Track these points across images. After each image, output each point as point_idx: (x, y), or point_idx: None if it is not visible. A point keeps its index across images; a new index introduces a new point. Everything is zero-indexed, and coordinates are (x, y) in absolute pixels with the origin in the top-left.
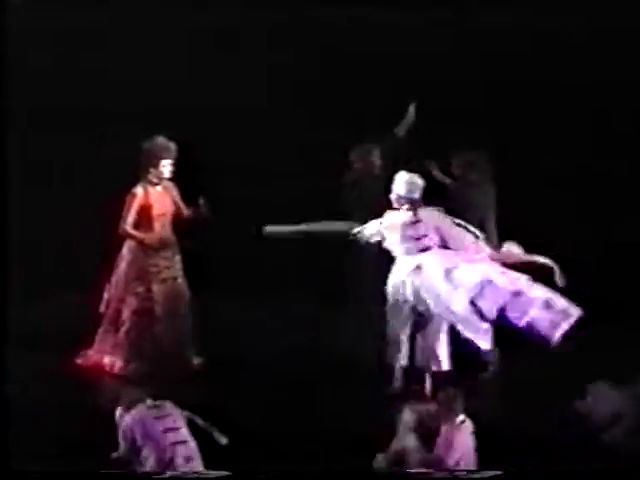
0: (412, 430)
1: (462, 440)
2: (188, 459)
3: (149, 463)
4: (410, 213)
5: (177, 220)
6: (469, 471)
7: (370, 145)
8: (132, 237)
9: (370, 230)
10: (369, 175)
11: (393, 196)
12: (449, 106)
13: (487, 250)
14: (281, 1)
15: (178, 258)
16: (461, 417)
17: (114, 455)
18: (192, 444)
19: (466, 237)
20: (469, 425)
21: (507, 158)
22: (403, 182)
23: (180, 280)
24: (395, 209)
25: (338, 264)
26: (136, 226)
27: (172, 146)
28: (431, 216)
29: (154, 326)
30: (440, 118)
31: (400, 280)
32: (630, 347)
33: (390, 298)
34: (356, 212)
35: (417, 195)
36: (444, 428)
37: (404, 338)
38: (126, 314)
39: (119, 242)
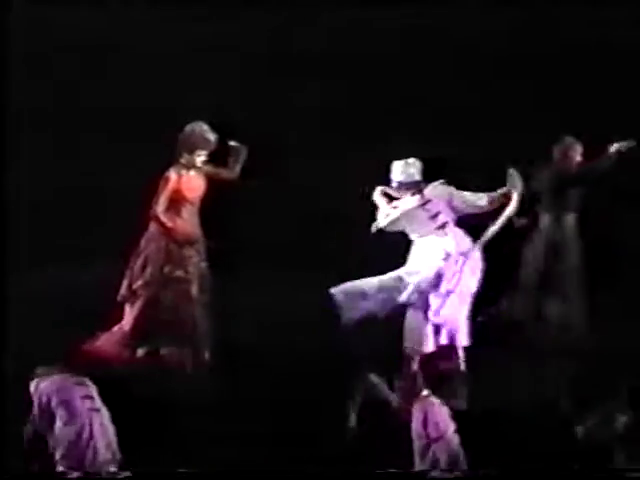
0: None
1: (434, 409)
2: (103, 426)
3: (64, 431)
4: (417, 196)
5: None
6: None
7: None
8: (161, 223)
9: (390, 221)
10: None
11: (394, 185)
12: None
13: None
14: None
15: (202, 240)
16: (425, 392)
17: (26, 429)
18: (106, 414)
19: (478, 198)
20: (435, 399)
21: None
22: (400, 169)
23: (204, 264)
24: (397, 198)
25: (357, 248)
26: (168, 207)
27: (213, 138)
28: (438, 190)
29: (192, 309)
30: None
31: (424, 264)
32: None
33: (413, 282)
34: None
35: (418, 177)
36: (415, 405)
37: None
38: (169, 299)
39: (143, 222)
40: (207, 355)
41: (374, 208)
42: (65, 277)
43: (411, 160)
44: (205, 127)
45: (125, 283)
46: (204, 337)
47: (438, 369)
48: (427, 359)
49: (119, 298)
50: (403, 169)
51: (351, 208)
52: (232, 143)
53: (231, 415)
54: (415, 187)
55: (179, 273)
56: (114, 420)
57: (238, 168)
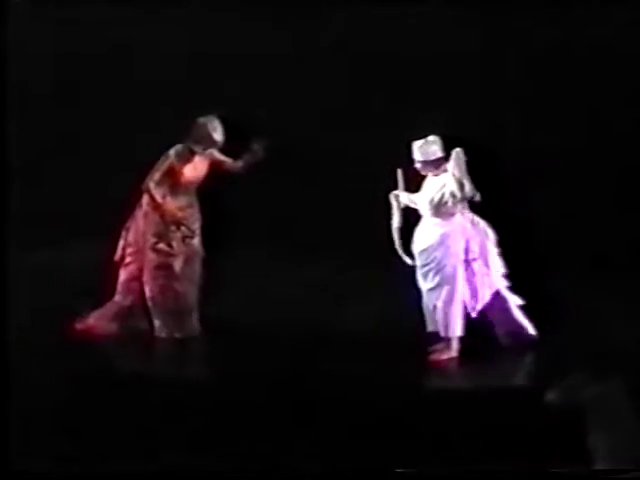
0: None
1: None
2: None
3: None
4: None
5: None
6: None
7: None
8: (151, 196)
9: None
10: None
11: (418, 165)
12: None
13: None
14: None
15: (197, 217)
16: None
17: None
18: None
19: None
20: None
21: None
22: (421, 148)
23: (197, 239)
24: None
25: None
26: (162, 183)
27: (219, 139)
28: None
29: (174, 283)
30: None
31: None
32: None
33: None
34: None
35: (440, 153)
36: None
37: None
38: (148, 268)
39: (139, 195)
40: (194, 331)
41: (372, 187)
42: (66, 255)
43: (431, 138)
44: (216, 124)
45: (121, 244)
46: (188, 312)
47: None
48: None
49: (116, 258)
50: (424, 148)
51: (349, 188)
52: (255, 146)
53: (220, 392)
54: (441, 163)
55: (162, 246)
56: (102, 396)
57: (245, 165)
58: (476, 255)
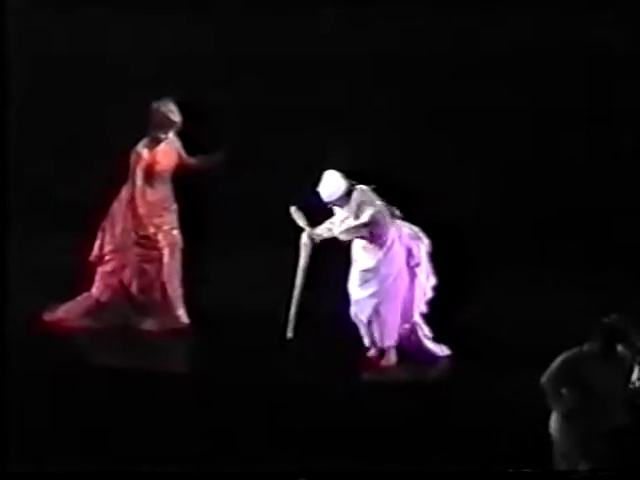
0: None
1: None
2: None
3: None
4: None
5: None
6: None
7: None
8: (134, 203)
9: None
10: None
11: (329, 206)
12: None
13: None
14: None
15: (175, 208)
16: None
17: None
18: None
19: None
20: None
21: None
22: (325, 189)
23: (176, 231)
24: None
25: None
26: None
27: (176, 119)
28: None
29: (159, 275)
30: None
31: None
32: None
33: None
34: None
35: (343, 189)
36: None
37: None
38: (136, 265)
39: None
40: (181, 322)
41: None
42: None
43: (329, 175)
44: (171, 107)
45: (97, 244)
46: (176, 303)
47: None
48: None
49: (92, 259)
50: (328, 187)
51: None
52: (216, 155)
53: (205, 385)
54: (347, 198)
55: (146, 240)
56: (86, 392)
57: (199, 165)
58: (418, 260)
